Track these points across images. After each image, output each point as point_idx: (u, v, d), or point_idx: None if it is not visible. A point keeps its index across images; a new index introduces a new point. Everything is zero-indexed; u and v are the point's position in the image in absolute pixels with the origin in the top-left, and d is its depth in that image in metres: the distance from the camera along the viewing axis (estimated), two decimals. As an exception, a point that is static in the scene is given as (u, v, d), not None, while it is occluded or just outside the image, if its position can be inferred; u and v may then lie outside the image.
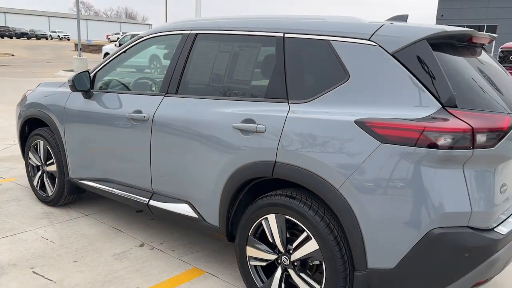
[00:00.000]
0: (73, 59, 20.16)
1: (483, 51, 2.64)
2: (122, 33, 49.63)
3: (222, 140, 2.66)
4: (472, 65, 2.38)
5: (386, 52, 2.22)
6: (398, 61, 2.19)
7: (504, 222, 2.26)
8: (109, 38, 56.41)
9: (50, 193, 4.05)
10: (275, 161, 2.41)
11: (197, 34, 3.04)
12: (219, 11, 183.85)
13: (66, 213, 3.98)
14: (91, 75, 3.56)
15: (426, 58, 2.15)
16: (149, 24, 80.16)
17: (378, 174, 2.10)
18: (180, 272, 3.03)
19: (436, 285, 2.11)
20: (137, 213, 4.01)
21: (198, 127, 2.79)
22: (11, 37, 60.07)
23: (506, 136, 2.11)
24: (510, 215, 2.33)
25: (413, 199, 2.04)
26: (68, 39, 67.74)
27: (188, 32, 3.09)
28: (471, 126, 2.01)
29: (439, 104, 2.07)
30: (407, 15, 2.78)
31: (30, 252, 3.21)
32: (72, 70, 19.27)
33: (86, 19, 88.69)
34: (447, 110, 2.06)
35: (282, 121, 2.41)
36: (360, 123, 2.16)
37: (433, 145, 2.00)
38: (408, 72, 2.15)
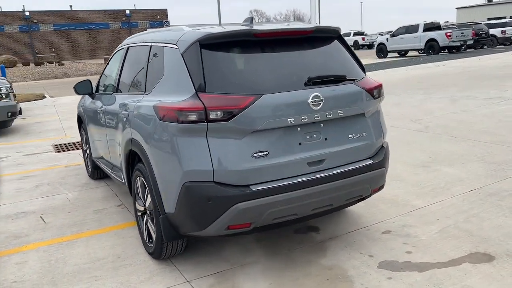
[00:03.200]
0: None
1: (304, 41, 3.11)
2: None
3: (118, 122, 3.75)
4: (254, 56, 2.94)
5: (179, 53, 2.98)
6: (183, 59, 2.92)
7: (273, 182, 2.77)
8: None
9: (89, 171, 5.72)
10: (131, 138, 3.37)
11: (128, 47, 4.16)
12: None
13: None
14: (99, 81, 4.97)
15: (195, 56, 2.84)
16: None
17: (160, 143, 2.90)
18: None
19: (199, 226, 2.79)
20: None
21: (112, 114, 3.95)
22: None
23: (241, 113, 2.66)
24: (282, 179, 2.80)
25: (174, 161, 2.78)
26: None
27: (125, 46, 4.24)
28: (204, 106, 2.65)
29: (194, 90, 2.75)
30: (251, 17, 3.37)
31: None
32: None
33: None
34: (197, 95, 2.73)
35: (133, 108, 3.37)
36: (154, 107, 2.98)
37: (181, 120, 2.71)
38: (186, 67, 2.87)
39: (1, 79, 10.93)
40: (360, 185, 3.13)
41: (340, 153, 3.05)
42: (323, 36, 3.27)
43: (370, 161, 3.19)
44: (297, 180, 2.84)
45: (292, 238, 3.64)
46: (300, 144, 2.90)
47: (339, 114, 3.00)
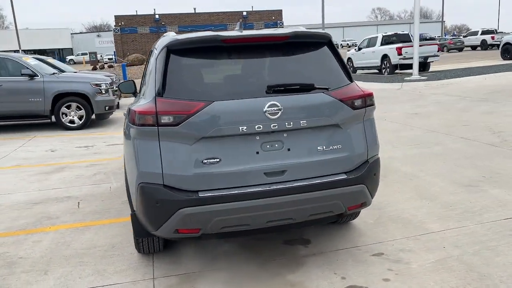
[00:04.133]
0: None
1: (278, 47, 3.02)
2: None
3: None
4: (219, 62, 2.93)
5: (154, 58, 3.08)
6: (155, 64, 3.03)
7: (224, 190, 2.75)
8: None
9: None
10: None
11: (150, 51, 4.40)
12: None
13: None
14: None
15: (162, 61, 2.92)
16: (442, 21, 76.77)
17: (126, 143, 3.05)
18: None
19: (152, 227, 2.88)
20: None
21: None
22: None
23: (190, 119, 2.68)
24: (236, 188, 2.75)
25: (133, 161, 2.90)
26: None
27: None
28: (155, 110, 2.73)
29: (154, 95, 2.85)
30: (241, 23, 3.35)
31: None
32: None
33: (377, 25, 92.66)
34: (155, 99, 2.82)
35: (126, 111, 3.58)
36: (127, 110, 3.14)
37: (137, 123, 2.82)
38: (155, 72, 2.98)
39: (106, 76, 12.30)
40: (328, 201, 2.92)
41: (305, 165, 2.88)
42: (304, 42, 3.12)
43: (343, 176, 2.95)
44: (250, 190, 2.77)
45: (277, 248, 3.54)
46: (257, 153, 2.82)
47: (301, 125, 2.84)
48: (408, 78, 15.91)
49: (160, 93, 2.82)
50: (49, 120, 10.43)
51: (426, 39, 46.97)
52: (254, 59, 3.01)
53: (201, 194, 2.73)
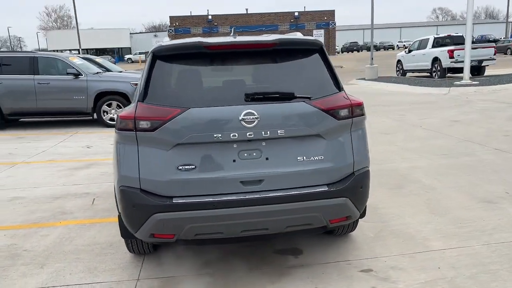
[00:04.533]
0: (365, 68, 22.20)
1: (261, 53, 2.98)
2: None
3: None
4: (202, 69, 2.92)
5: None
6: (144, 68, 3.08)
7: (199, 197, 2.75)
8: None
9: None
10: None
11: None
12: None
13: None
14: None
15: (149, 67, 2.96)
16: (507, 22, 72.23)
17: (113, 148, 3.09)
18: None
19: (132, 229, 2.92)
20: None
21: None
22: (358, 51, 68.34)
23: (165, 125, 2.70)
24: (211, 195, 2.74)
25: (116, 164, 2.96)
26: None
27: None
28: (134, 115, 2.78)
29: (137, 100, 2.90)
30: (234, 28, 3.34)
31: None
32: (363, 79, 21.38)
33: (436, 25, 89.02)
34: (137, 104, 2.87)
35: None
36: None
37: (118, 127, 2.87)
38: (141, 76, 3.02)
39: None
40: (306, 213, 2.84)
41: (284, 176, 2.82)
42: (292, 49, 3.05)
43: (324, 188, 2.86)
44: (224, 198, 2.75)
45: (267, 257, 3.49)
46: (234, 161, 2.79)
47: (279, 134, 2.78)
48: (457, 82, 15.14)
49: (142, 98, 2.86)
50: (91, 117, 10.92)
51: (489, 41, 44.43)
52: (238, 66, 2.99)
53: (175, 200, 2.75)
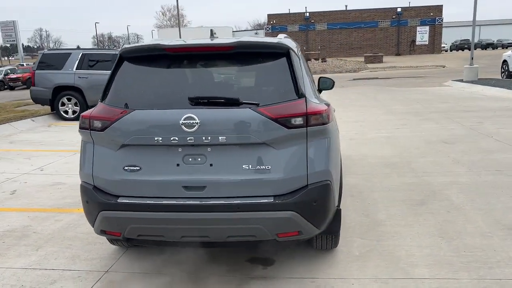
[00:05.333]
0: (464, 68, 20.35)
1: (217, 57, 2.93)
2: None
3: None
4: (160, 71, 2.95)
5: None
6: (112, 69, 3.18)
7: (141, 199, 2.79)
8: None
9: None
10: None
11: None
12: None
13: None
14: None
15: (113, 67, 3.06)
16: None
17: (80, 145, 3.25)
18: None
19: (90, 222, 3.05)
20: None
21: None
22: (469, 49, 62.65)
23: (112, 126, 2.78)
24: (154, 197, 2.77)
25: (79, 161, 3.10)
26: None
27: None
28: (90, 115, 2.90)
29: (99, 100, 3.02)
30: (212, 30, 3.31)
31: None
32: (461, 80, 19.64)
33: None
34: (98, 104, 2.99)
35: None
36: None
37: (79, 126, 3.02)
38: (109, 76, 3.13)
39: None
40: (248, 224, 2.72)
41: (227, 184, 2.73)
42: (253, 53, 2.92)
43: (269, 200, 2.71)
44: (165, 202, 2.75)
45: (236, 264, 3.42)
46: (178, 165, 2.78)
47: (220, 140, 2.69)
48: None
49: (102, 98, 2.98)
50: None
51: None
52: (195, 69, 2.96)
53: (119, 200, 2.82)
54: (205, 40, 3.08)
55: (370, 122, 9.70)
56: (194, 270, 3.35)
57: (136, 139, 2.78)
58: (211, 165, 2.76)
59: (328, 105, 3.12)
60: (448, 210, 4.30)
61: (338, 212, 3.18)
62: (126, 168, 2.83)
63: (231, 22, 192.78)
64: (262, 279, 3.19)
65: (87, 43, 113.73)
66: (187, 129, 2.69)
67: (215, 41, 3.00)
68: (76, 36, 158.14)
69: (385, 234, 3.82)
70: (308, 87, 2.97)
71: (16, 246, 3.90)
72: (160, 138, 2.73)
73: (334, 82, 5.04)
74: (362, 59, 38.62)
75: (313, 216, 2.80)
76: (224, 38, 3.07)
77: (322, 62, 37.43)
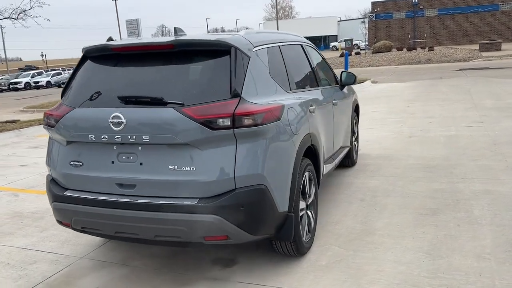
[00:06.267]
0: None
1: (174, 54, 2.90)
2: None
3: None
4: (107, 69, 3.05)
5: None
6: None
7: (82, 193, 2.93)
8: None
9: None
10: None
11: None
12: None
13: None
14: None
15: (76, 65, 3.23)
16: None
17: None
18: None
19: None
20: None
21: None
22: None
23: (58, 123, 2.96)
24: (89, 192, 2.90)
25: (46, 153, 3.32)
26: None
27: None
28: (47, 112, 3.11)
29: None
30: (175, 28, 3.32)
31: None
32: None
33: None
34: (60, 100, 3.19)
35: None
36: None
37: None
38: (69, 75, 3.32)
39: None
40: (172, 225, 2.69)
41: (155, 183, 2.73)
42: (194, 51, 2.86)
43: (193, 202, 2.65)
44: (100, 198, 2.85)
45: (196, 263, 3.41)
46: (113, 162, 2.85)
47: (143, 140, 2.69)
48: None
49: (61, 96, 3.17)
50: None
51: None
52: (135, 68, 2.98)
53: (66, 193, 2.99)
54: (147, 39, 3.08)
55: (443, 118, 8.82)
56: (159, 265, 3.42)
57: (76, 136, 2.91)
58: (141, 164, 2.78)
59: (279, 105, 2.93)
60: (458, 224, 3.76)
61: (289, 218, 2.99)
62: (72, 163, 2.99)
63: (340, 12, 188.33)
64: (212, 280, 3.14)
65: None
66: (115, 128, 2.75)
67: (155, 39, 3.00)
68: (193, 31, 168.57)
69: (368, 245, 3.48)
70: (253, 87, 2.81)
71: (28, 227, 4.35)
72: (93, 136, 2.83)
73: (356, 77, 4.96)
74: (477, 47, 35.06)
75: (242, 221, 2.67)
76: (165, 38, 3.03)
77: (428, 51, 34.84)
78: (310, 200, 3.48)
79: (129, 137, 2.74)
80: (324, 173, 4.01)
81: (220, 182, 2.64)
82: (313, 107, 3.63)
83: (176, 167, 2.70)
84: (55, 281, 3.26)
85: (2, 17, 16.36)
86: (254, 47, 3.04)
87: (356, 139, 6.00)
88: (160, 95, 2.74)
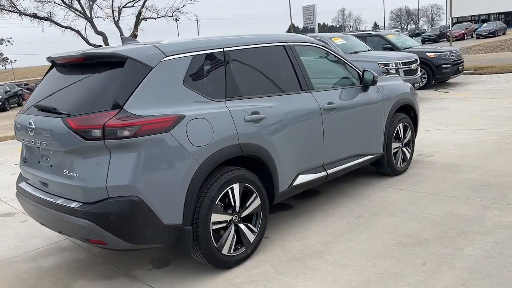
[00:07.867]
0: None
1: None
2: None
3: None
4: (51, 78, 3.40)
5: None
6: None
7: (27, 186, 3.41)
8: None
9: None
10: None
11: None
12: None
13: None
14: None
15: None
16: None
17: None
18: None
19: None
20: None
21: None
22: None
23: (14, 124, 3.45)
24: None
25: None
26: None
27: None
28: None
29: None
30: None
31: None
32: None
33: None
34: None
35: None
36: None
37: None
38: None
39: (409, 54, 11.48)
40: (66, 225, 2.95)
41: (58, 185, 3.01)
42: (100, 62, 3.02)
43: (76, 206, 2.83)
44: (31, 191, 3.27)
45: (133, 259, 3.56)
46: (39, 162, 3.22)
47: (42, 145, 3.00)
48: None
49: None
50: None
51: None
52: (61, 78, 3.28)
53: (20, 184, 3.51)
54: (70, 53, 3.27)
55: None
56: (110, 254, 3.70)
57: (18, 138, 3.39)
58: (51, 166, 3.08)
59: (170, 117, 2.85)
60: (425, 262, 3.05)
61: (186, 231, 2.92)
62: (22, 159, 3.48)
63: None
64: (131, 278, 3.28)
65: (382, 20, 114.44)
66: (29, 133, 3.11)
67: (72, 53, 3.18)
68: (373, 13, 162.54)
69: (300, 269, 3.13)
70: (147, 98, 2.83)
71: (10, 223, 5.01)
72: (23, 139, 3.26)
73: (374, 77, 4.63)
74: None
75: (115, 229, 2.75)
76: (81, 51, 3.20)
77: None
78: (244, 213, 3.30)
79: (37, 141, 3.07)
80: (295, 184, 3.70)
81: (95, 190, 2.75)
82: (262, 115, 3.37)
83: (67, 172, 2.92)
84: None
85: (157, 16, 18.78)
86: (166, 56, 3.00)
87: (408, 145, 5.22)
88: (57, 105, 2.98)
